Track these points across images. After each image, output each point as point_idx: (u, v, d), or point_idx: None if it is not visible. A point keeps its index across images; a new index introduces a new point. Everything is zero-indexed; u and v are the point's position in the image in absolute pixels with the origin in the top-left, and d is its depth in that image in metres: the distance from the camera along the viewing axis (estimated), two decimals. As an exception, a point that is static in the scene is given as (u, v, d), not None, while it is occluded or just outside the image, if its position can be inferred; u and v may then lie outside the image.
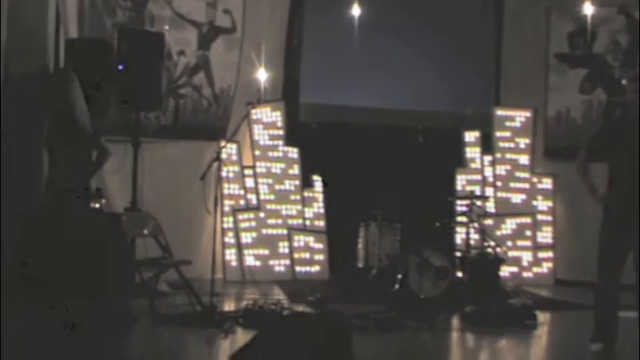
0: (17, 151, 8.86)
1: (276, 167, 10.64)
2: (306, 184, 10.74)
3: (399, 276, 9.29)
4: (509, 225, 11.03)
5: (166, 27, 9.82)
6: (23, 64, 8.97)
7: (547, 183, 11.14)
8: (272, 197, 10.58)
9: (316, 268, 10.65)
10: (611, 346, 7.10)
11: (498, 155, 11.16)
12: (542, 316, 8.70)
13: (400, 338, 7.79)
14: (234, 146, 10.31)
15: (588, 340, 7.21)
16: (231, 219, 10.31)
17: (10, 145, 8.73)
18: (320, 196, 10.80)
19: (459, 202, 10.58)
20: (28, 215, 8.55)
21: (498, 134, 11.17)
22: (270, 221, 10.53)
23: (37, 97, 9.12)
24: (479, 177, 11.11)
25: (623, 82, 10.08)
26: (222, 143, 9.35)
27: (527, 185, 11.13)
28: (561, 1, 11.11)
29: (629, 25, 11.01)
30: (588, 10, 10.66)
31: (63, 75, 8.39)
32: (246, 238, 10.37)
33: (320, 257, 10.69)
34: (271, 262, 10.46)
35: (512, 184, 11.13)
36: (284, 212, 10.60)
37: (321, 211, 10.78)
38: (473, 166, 11.14)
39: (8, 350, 6.24)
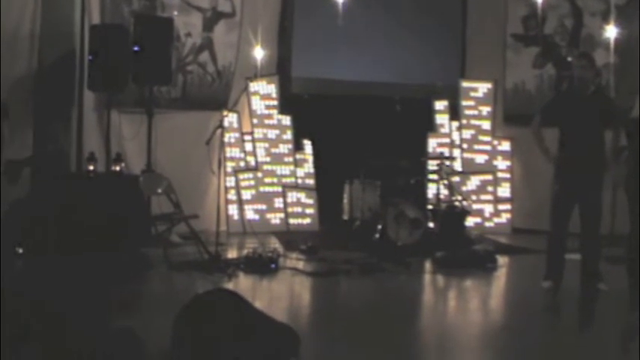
0: (49, 122, 8.97)
1: (272, 133, 10.53)
2: (298, 147, 10.70)
3: (379, 226, 9.31)
4: (474, 181, 10.96)
5: (175, 13, 9.73)
6: (55, 46, 9.06)
7: (506, 145, 11.08)
8: (268, 159, 10.51)
9: (307, 221, 10.64)
10: (558, 283, 7.22)
11: (464, 121, 11.08)
12: (502, 260, 8.78)
13: (380, 280, 7.88)
14: (235, 115, 10.20)
15: (540, 278, 7.32)
16: (232, 178, 10.23)
17: (43, 117, 8.79)
18: (310, 158, 10.75)
19: (430, 162, 10.53)
20: (58, 178, 8.66)
21: (464, 103, 11.08)
22: (267, 180, 10.47)
23: (67, 74, 9.20)
24: (447, 140, 11.06)
25: (569, 59, 10.14)
26: (225, 113, 9.42)
27: (488, 147, 11.08)
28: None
29: (573, 11, 10.91)
30: (539, -4, 10.68)
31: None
32: (246, 195, 10.31)
33: (310, 211, 10.66)
34: (268, 216, 10.43)
35: (476, 147, 11.08)
36: (279, 172, 10.53)
37: (311, 170, 10.72)
38: (442, 130, 11.07)
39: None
